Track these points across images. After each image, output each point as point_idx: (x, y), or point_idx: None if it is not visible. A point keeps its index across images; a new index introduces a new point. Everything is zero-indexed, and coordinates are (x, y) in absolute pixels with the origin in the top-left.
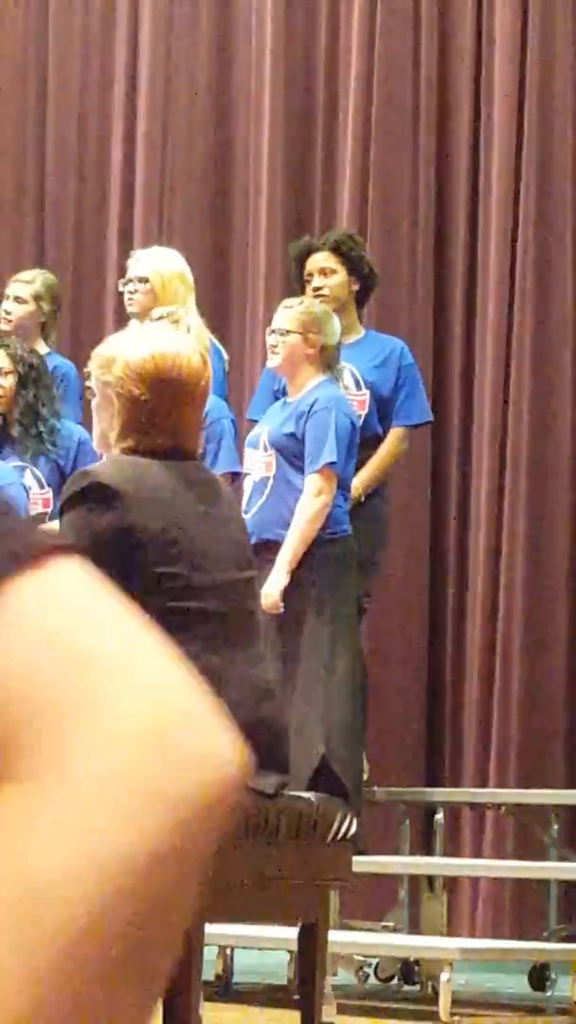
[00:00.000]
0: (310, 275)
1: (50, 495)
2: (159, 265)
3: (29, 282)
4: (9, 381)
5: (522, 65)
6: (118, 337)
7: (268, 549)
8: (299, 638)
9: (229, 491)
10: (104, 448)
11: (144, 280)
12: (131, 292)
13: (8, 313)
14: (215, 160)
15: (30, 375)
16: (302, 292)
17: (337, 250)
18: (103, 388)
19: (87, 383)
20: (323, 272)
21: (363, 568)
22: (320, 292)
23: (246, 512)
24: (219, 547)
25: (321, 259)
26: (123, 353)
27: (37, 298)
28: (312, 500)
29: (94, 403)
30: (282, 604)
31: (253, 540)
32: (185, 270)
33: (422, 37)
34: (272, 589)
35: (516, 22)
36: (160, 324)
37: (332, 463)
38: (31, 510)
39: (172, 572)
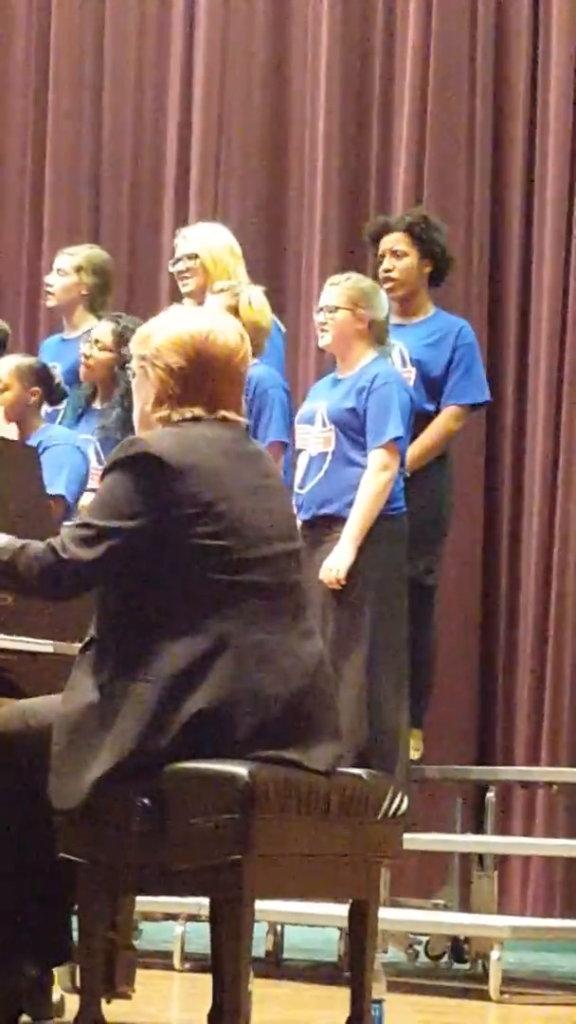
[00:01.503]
0: (382, 255)
1: None
2: (207, 240)
3: (72, 255)
4: (104, 356)
5: None
6: (157, 317)
7: (327, 524)
8: (350, 613)
9: (273, 463)
10: (144, 428)
11: (194, 256)
12: (182, 271)
13: (50, 285)
14: (270, 135)
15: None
16: (376, 272)
17: (410, 231)
18: (140, 362)
19: (128, 365)
20: (394, 254)
21: (422, 542)
22: (389, 274)
23: (302, 487)
24: (267, 519)
25: (393, 240)
26: (160, 328)
27: (78, 270)
28: (378, 475)
29: (134, 383)
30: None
31: (310, 515)
32: (233, 243)
33: (478, 25)
34: (338, 564)
35: None
36: (220, 298)
37: (397, 438)
38: (90, 483)
39: (220, 545)
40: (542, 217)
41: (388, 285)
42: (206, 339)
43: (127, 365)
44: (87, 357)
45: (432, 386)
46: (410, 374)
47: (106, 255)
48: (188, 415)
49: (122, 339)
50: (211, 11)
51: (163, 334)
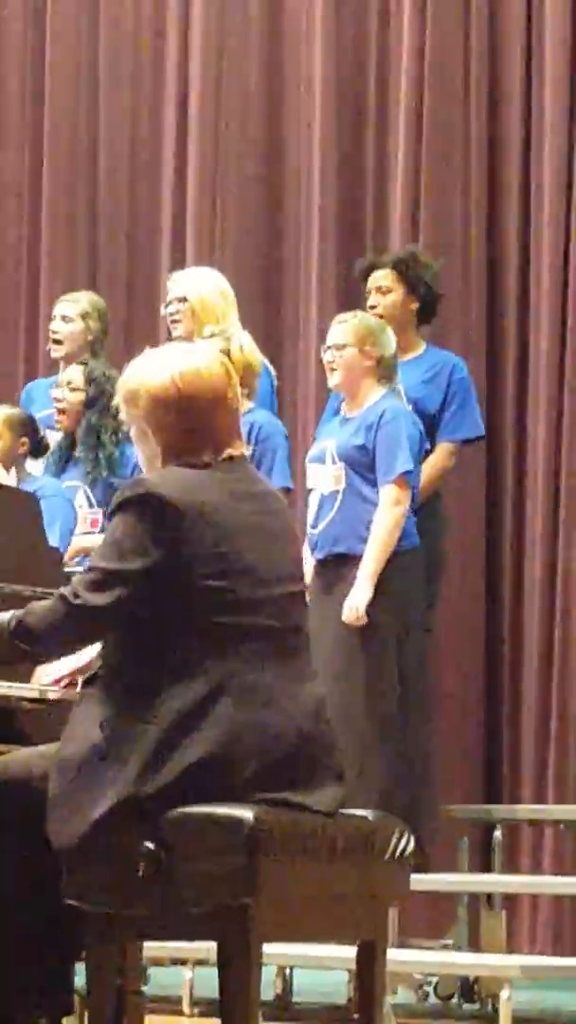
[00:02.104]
0: (368, 292)
1: (99, 515)
2: (197, 284)
3: (74, 301)
4: (75, 397)
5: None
6: (136, 365)
7: (342, 562)
8: (373, 650)
9: (282, 501)
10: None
11: (183, 299)
12: (172, 314)
13: (56, 332)
14: (267, 176)
15: (99, 399)
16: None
17: (396, 268)
18: (135, 422)
19: (119, 416)
20: (379, 290)
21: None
22: (374, 310)
23: (314, 527)
24: (270, 561)
25: (380, 277)
26: (144, 383)
27: (84, 316)
28: (391, 510)
29: (133, 436)
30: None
31: (325, 553)
32: (224, 287)
33: (472, 35)
34: (358, 602)
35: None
36: (211, 343)
37: (407, 472)
38: (80, 528)
39: (222, 587)
40: (538, 250)
41: None
42: (193, 383)
43: (111, 408)
44: (59, 401)
45: (428, 423)
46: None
47: (102, 299)
48: (204, 458)
49: (90, 379)
50: (205, 48)
51: (148, 391)
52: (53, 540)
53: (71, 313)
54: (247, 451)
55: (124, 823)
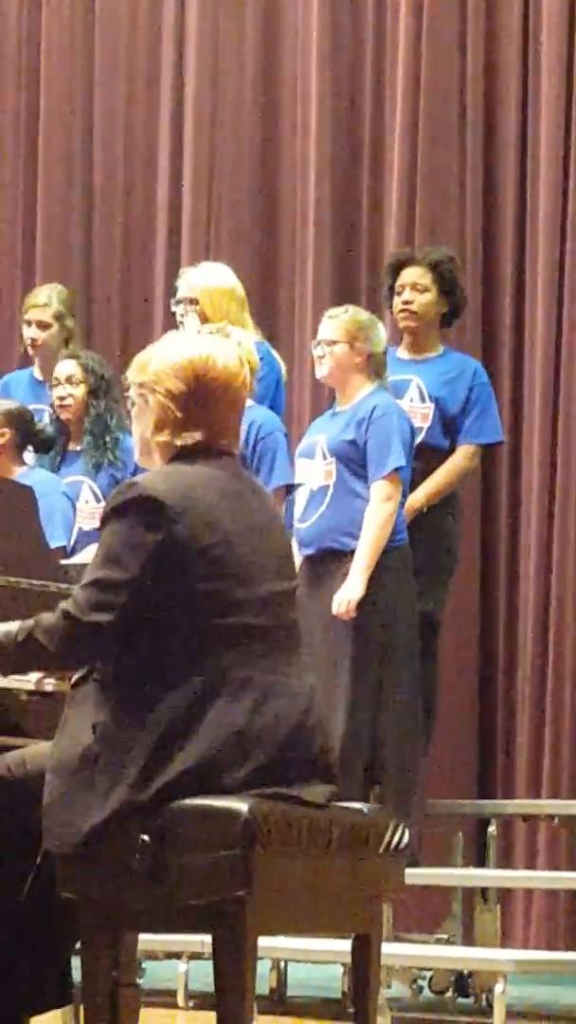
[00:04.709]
0: (402, 287)
1: None
2: (207, 283)
3: (46, 304)
4: (80, 391)
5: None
6: (155, 344)
7: (331, 557)
8: (362, 644)
9: (271, 499)
10: (145, 456)
11: (194, 301)
12: (182, 314)
13: (34, 340)
14: (262, 175)
15: (101, 386)
16: (389, 303)
17: (435, 268)
18: (139, 390)
19: (127, 394)
20: (415, 287)
21: (430, 580)
22: (408, 306)
23: (303, 521)
24: (262, 559)
25: (416, 274)
26: (159, 354)
27: (59, 318)
28: (382, 506)
29: (133, 412)
30: (354, 611)
31: (315, 549)
32: (236, 285)
33: (468, 63)
34: (349, 595)
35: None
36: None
37: (399, 468)
38: (83, 522)
39: (216, 589)
40: (533, 275)
41: (404, 316)
42: (206, 363)
43: (113, 393)
44: (62, 399)
45: (447, 423)
46: (429, 410)
47: (65, 289)
48: (190, 441)
49: (88, 369)
50: (200, 52)
51: (162, 360)
52: (60, 538)
53: (46, 318)
54: (247, 449)
55: (122, 827)
